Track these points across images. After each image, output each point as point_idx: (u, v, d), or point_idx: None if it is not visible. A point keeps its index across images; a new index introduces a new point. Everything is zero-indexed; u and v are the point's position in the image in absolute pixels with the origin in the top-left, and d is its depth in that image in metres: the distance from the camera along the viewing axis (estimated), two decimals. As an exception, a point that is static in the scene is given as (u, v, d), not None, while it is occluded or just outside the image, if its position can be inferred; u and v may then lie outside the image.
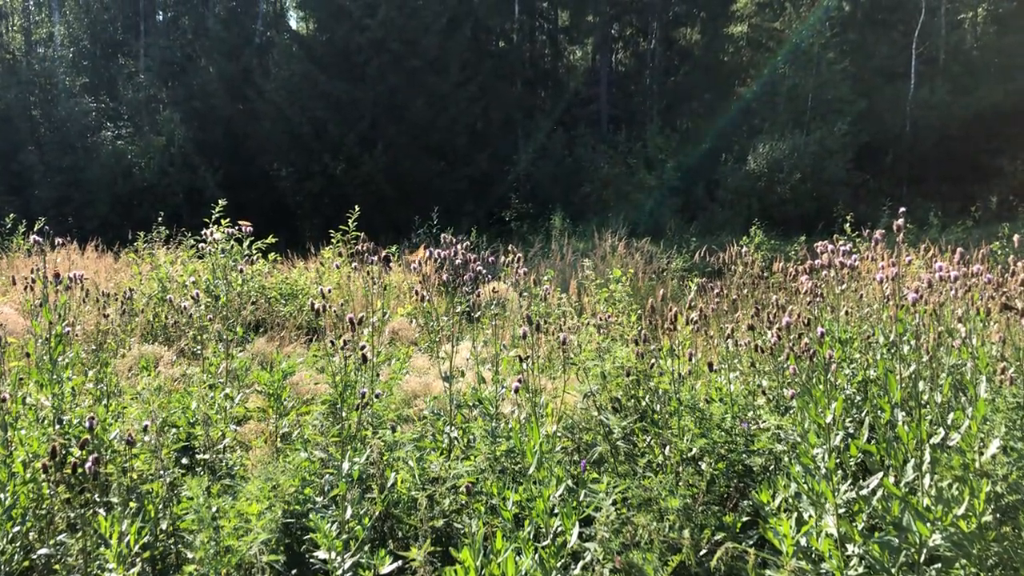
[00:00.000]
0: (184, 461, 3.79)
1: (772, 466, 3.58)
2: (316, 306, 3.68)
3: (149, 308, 9.04)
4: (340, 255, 12.74)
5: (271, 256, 11.94)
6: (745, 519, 3.38)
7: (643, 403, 4.02)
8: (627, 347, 4.48)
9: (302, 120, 29.45)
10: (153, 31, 38.52)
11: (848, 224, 12.73)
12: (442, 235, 4.09)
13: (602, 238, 15.80)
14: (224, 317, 4.41)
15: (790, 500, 2.96)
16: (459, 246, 3.92)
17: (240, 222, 5.00)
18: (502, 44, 38.20)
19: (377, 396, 3.43)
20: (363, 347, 3.32)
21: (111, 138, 30.72)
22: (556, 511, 2.65)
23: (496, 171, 31.70)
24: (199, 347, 4.44)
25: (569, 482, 2.80)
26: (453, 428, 3.69)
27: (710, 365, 4.31)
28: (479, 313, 4.50)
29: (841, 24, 32.40)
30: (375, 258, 4.34)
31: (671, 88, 36.93)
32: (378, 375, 3.73)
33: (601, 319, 5.46)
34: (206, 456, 3.71)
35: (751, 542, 3.32)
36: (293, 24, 40.36)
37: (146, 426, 3.12)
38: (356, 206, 12.24)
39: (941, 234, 16.23)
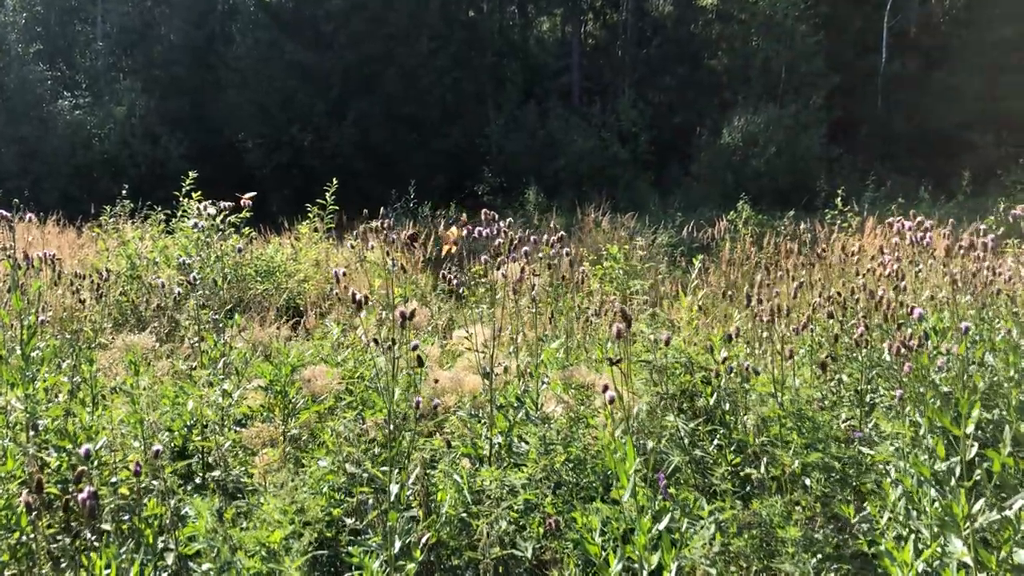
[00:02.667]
0: (180, 468, 3.35)
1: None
2: (339, 293, 3.22)
3: (116, 287, 8.48)
4: (316, 230, 12.22)
5: (245, 231, 11.39)
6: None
7: (710, 402, 3.64)
8: (681, 335, 4.10)
9: (269, 89, 28.60)
10: (110, -4, 37.14)
11: (839, 198, 12.48)
12: (484, 211, 3.65)
13: (585, 213, 15.44)
14: (223, 302, 3.95)
15: (899, 519, 2.62)
16: (502, 223, 3.51)
17: (245, 197, 4.52)
18: (471, 14, 37.41)
19: (417, 406, 2.98)
20: (415, 346, 2.90)
21: (68, 107, 29.60)
22: (657, 545, 2.28)
23: (468, 144, 31.11)
24: (188, 334, 3.99)
25: (674, 512, 2.44)
26: (496, 433, 3.28)
27: (789, 354, 3.69)
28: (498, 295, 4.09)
29: (814, -3, 32.15)
30: (383, 235, 3.90)
31: (643, 60, 36.43)
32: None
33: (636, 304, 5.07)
34: (215, 473, 3.28)
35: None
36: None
37: (157, 451, 2.67)
38: (326, 179, 11.71)
39: (933, 209, 16.11)
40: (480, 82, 33.95)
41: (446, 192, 25.97)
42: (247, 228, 11.52)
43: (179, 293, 4.13)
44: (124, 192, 14.48)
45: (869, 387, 3.68)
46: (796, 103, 28.64)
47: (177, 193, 10.15)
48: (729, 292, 7.07)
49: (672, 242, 13.26)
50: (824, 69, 30.02)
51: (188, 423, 3.48)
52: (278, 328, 7.96)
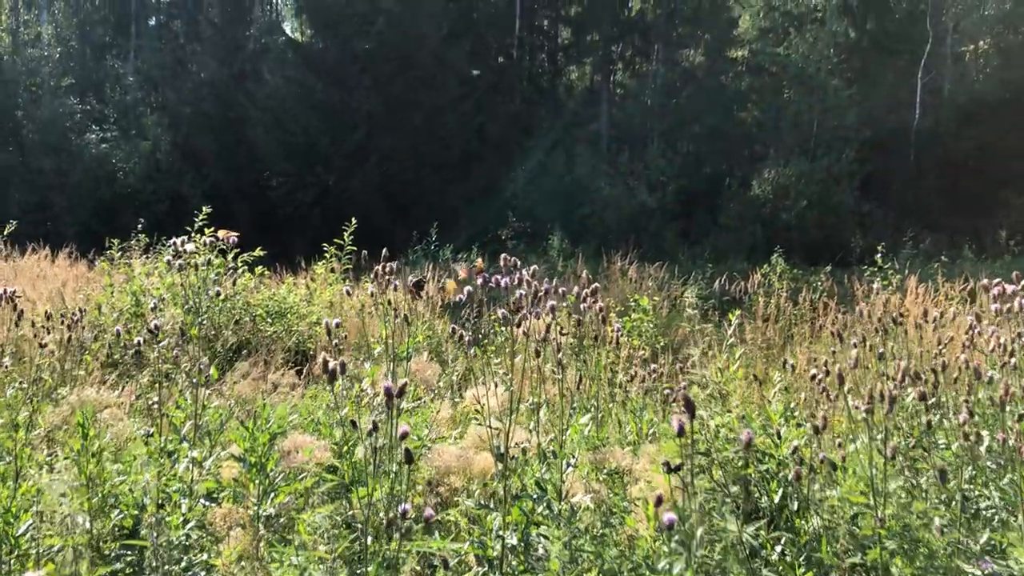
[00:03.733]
0: (129, 557, 2.84)
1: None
2: (326, 360, 2.70)
3: (111, 327, 8.05)
4: (333, 271, 11.80)
5: (258, 270, 10.96)
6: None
7: (775, 500, 3.05)
8: (729, 405, 3.53)
9: (295, 129, 28.54)
10: (144, 34, 37.61)
11: (880, 255, 11.88)
12: (503, 256, 3.13)
13: (611, 261, 14.94)
14: (207, 343, 3.45)
15: None
16: (525, 271, 3.00)
17: (223, 232, 4.06)
18: (501, 59, 37.44)
19: (403, 515, 2.43)
20: (403, 435, 2.35)
21: (95, 140, 29.68)
22: None
23: (492, 188, 30.85)
24: (160, 390, 3.47)
25: None
26: (510, 530, 2.71)
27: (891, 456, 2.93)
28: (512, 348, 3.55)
29: (847, 51, 31.86)
30: (385, 281, 3.41)
31: (673, 110, 36.17)
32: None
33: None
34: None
35: None
36: (288, 31, 39.49)
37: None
38: (349, 219, 11.33)
39: (978, 268, 15.47)
40: (507, 127, 33.80)
41: (470, 236, 25.62)
42: (260, 267, 11.13)
43: (140, 343, 3.62)
44: (141, 226, 14.17)
45: (982, 493, 3.09)
46: (828, 157, 28.15)
47: (189, 228, 9.77)
48: (771, 351, 6.51)
49: (703, 294, 12.70)
50: (856, 123, 29.57)
51: (139, 501, 2.97)
52: (283, 374, 7.47)
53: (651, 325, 8.43)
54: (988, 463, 3.44)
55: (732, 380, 3.89)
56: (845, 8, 32.49)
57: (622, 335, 8.06)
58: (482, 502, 2.93)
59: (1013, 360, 3.99)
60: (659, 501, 2.14)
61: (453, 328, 3.48)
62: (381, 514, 2.40)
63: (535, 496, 2.77)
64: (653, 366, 6.43)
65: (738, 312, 8.15)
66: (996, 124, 30.98)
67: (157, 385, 3.59)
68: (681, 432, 2.01)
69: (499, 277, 2.92)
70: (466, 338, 3.27)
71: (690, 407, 2.03)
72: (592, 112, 36.89)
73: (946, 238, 24.50)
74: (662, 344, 8.40)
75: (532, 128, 34.50)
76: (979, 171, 30.26)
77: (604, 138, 36.00)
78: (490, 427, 2.70)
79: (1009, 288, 3.75)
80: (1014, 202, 28.58)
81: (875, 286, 11.26)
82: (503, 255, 3.05)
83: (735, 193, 28.77)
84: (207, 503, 3.10)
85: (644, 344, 8.03)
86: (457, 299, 3.32)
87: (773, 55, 32.49)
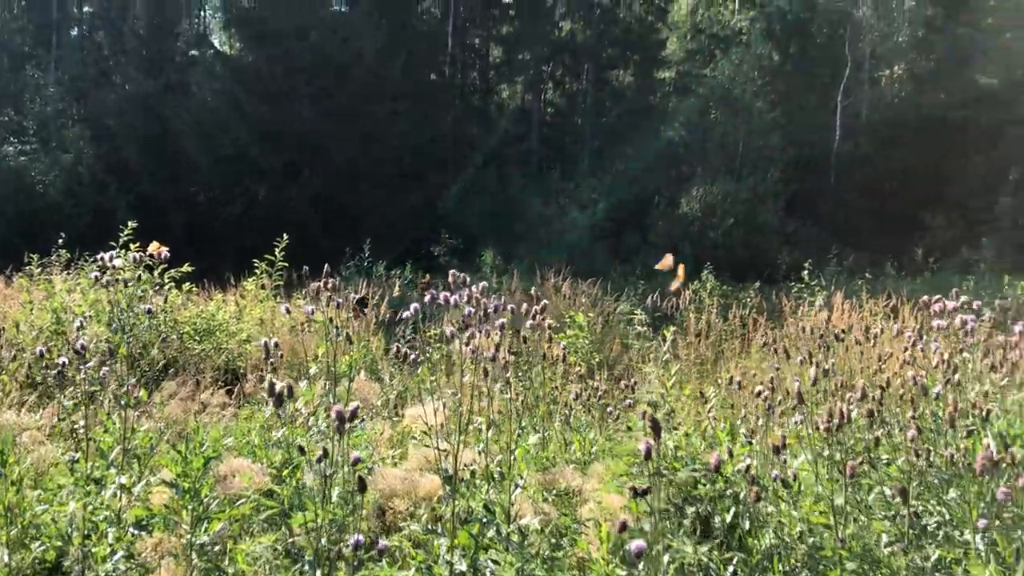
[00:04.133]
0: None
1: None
2: (272, 384, 2.59)
3: (31, 346, 7.71)
4: (264, 287, 11.55)
5: (186, 286, 10.65)
6: None
7: (727, 519, 3.04)
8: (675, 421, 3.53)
9: (224, 141, 28.02)
10: (66, 44, 36.50)
11: (806, 271, 12.20)
12: (451, 272, 3.10)
13: (544, 277, 14.99)
14: (132, 361, 3.30)
15: None
16: (474, 288, 2.96)
17: (155, 246, 3.92)
18: (434, 76, 37.44)
19: (356, 547, 2.35)
20: (356, 461, 2.25)
21: (14, 153, 28.63)
22: None
23: (426, 204, 30.75)
24: (87, 413, 3.32)
25: None
26: (457, 556, 2.63)
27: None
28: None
29: (771, 74, 32.78)
30: (326, 299, 3.34)
31: (603, 129, 36.68)
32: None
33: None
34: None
35: None
36: (217, 44, 38.78)
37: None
38: (280, 234, 11.13)
39: (899, 285, 15.97)
40: (441, 144, 33.78)
41: (404, 252, 25.40)
42: (188, 283, 10.82)
43: (64, 363, 3.46)
44: (61, 241, 13.66)
45: (927, 508, 3.13)
46: (753, 176, 28.86)
47: (113, 243, 9.45)
48: (703, 366, 6.59)
49: (636, 311, 12.81)
50: (781, 144, 30.42)
51: (64, 532, 2.83)
52: (212, 393, 7.27)
53: (586, 341, 8.47)
54: (933, 479, 3.49)
55: (678, 399, 3.91)
56: (769, 32, 33.51)
57: (556, 349, 8.08)
58: (429, 526, 2.87)
59: (957, 376, 4.10)
60: (623, 527, 2.12)
61: (397, 346, 3.42)
62: (324, 540, 2.32)
63: (484, 519, 2.72)
64: (590, 382, 6.46)
65: (672, 328, 8.25)
66: (912, 147, 32.35)
67: (82, 407, 3.43)
68: (648, 455, 2.00)
69: (447, 294, 2.89)
70: (410, 356, 3.22)
71: (656, 428, 2.01)
72: (523, 130, 37.17)
73: (869, 256, 25.31)
74: (597, 360, 8.44)
75: (465, 145, 34.56)
76: (898, 192, 31.54)
77: (536, 156, 36.28)
78: (438, 449, 2.65)
79: (950, 304, 3.86)
80: (931, 222, 29.76)
81: (818, 301, 11.53)
82: (451, 271, 3.02)
83: (664, 211, 29.27)
84: (137, 532, 2.96)
85: (579, 360, 8.06)
86: (396, 316, 3.26)
87: (700, 76, 33.23)
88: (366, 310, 10.38)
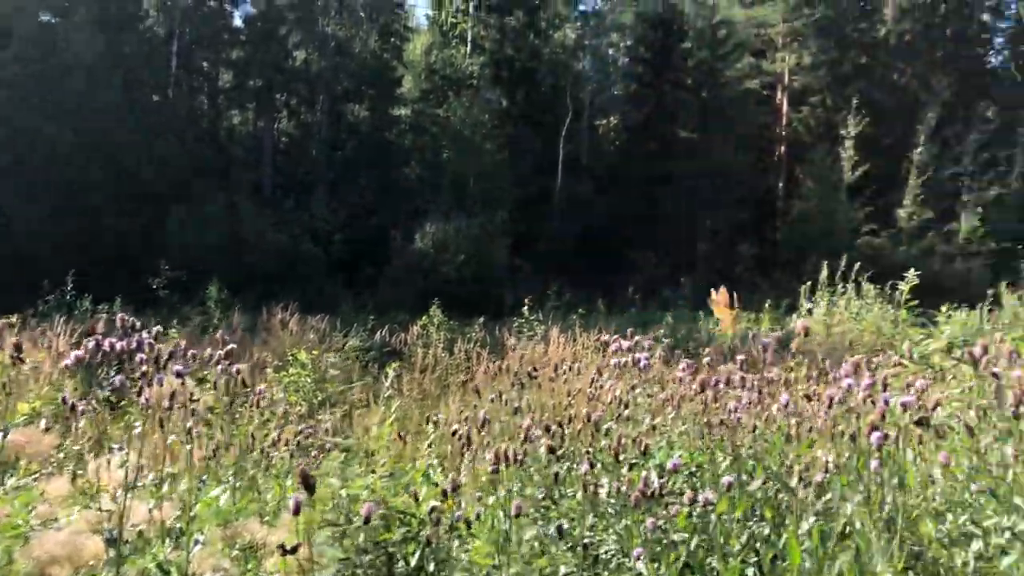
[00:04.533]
0: None
1: None
2: None
3: None
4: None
5: None
6: None
7: (411, 564, 3.07)
8: (377, 462, 3.56)
9: None
10: None
11: (527, 307, 12.93)
12: (120, 315, 2.97)
13: (271, 312, 14.62)
14: None
15: None
16: (144, 333, 2.85)
17: None
18: (156, 98, 35.23)
19: None
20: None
21: None
22: None
23: (146, 234, 28.71)
24: None
25: None
26: None
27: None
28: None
29: (500, 118, 34.45)
30: None
31: (338, 161, 36.50)
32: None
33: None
34: None
35: None
36: None
37: None
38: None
39: (608, 320, 17.24)
40: (164, 169, 31.75)
41: (118, 286, 23.54)
42: None
43: None
44: None
45: (602, 539, 3.42)
46: (483, 215, 30.03)
47: None
48: (426, 401, 6.77)
49: (364, 346, 12.85)
50: (508, 185, 32.02)
51: None
52: None
53: (308, 380, 8.37)
54: (609, 509, 3.84)
55: (380, 439, 4.00)
56: (496, 79, 35.24)
57: (278, 391, 7.91)
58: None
59: (626, 411, 4.54)
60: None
61: (95, 390, 3.22)
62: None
63: (156, 583, 2.61)
64: (310, 421, 6.40)
65: (396, 364, 8.37)
66: (625, 193, 35.61)
67: None
68: (298, 511, 2.06)
69: (113, 340, 2.78)
70: (102, 395, 3.04)
71: (307, 483, 2.08)
72: (256, 158, 36.07)
73: (585, 292, 27.18)
74: (320, 399, 8.37)
75: (192, 172, 32.77)
76: (611, 233, 34.36)
77: (268, 185, 35.31)
78: (100, 509, 2.52)
79: (625, 343, 4.29)
80: (639, 262, 32.69)
81: (536, 335, 12.16)
82: (120, 315, 2.91)
83: (399, 246, 29.60)
84: None
85: (301, 400, 7.95)
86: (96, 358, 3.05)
87: (434, 116, 34.14)
88: (22, 355, 9.52)
